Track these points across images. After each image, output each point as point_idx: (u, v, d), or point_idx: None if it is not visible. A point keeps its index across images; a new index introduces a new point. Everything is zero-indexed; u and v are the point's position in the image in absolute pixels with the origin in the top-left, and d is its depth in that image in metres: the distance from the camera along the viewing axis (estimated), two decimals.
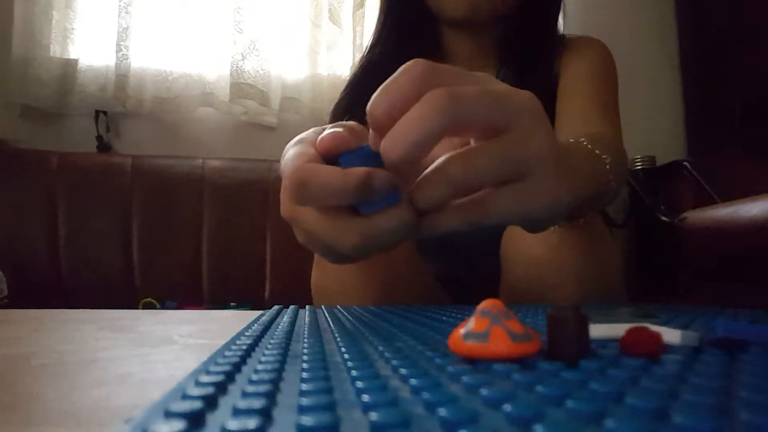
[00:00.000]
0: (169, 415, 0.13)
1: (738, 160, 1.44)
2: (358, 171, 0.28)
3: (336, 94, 1.53)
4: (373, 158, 0.29)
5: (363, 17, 1.53)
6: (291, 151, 0.33)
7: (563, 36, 0.79)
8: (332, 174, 0.28)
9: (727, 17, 1.56)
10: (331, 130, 0.31)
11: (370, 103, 0.29)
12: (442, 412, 0.12)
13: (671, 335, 0.22)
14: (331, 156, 0.31)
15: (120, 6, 1.41)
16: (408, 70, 0.30)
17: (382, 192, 0.29)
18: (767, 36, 1.45)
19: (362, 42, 1.49)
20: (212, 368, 0.18)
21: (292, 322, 0.34)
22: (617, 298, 0.62)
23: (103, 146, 1.42)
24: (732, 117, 1.53)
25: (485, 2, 0.70)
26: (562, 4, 0.78)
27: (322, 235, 0.32)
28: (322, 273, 0.65)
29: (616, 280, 0.63)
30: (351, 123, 0.35)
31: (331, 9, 1.53)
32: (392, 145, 0.27)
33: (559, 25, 0.80)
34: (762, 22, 1.47)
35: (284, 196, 0.34)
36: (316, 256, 0.65)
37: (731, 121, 1.53)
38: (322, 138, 0.31)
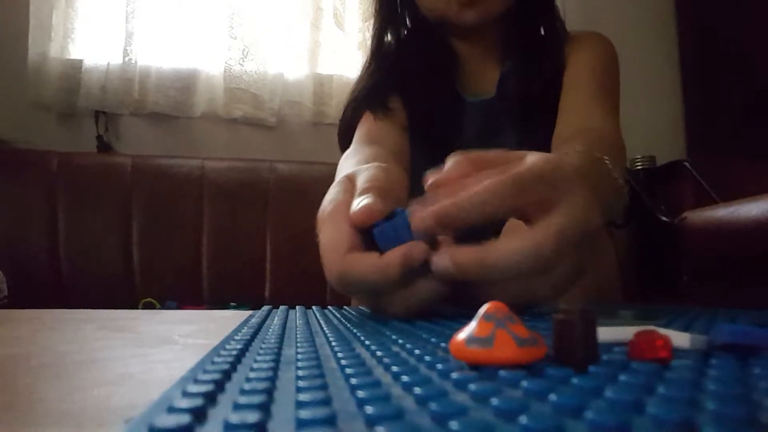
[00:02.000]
0: (153, 431, 0.12)
1: (738, 160, 1.44)
2: (396, 259, 0.31)
3: (337, 96, 1.54)
4: (406, 228, 0.31)
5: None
6: (330, 223, 0.35)
7: (566, 33, 0.80)
8: (372, 268, 0.31)
9: (727, 17, 1.56)
10: (364, 202, 0.33)
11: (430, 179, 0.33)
12: (454, 425, 0.12)
13: (680, 339, 0.22)
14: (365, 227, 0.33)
15: (126, 8, 1.41)
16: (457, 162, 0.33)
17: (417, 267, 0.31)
18: (767, 36, 1.45)
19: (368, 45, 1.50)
20: (200, 377, 0.17)
21: (283, 325, 0.34)
22: (613, 297, 0.62)
23: (103, 146, 1.42)
24: (732, 117, 1.53)
25: (489, 7, 0.72)
26: (559, 2, 0.80)
27: (370, 307, 0.37)
28: None
29: (612, 280, 0.64)
30: (379, 175, 0.37)
31: (336, 14, 1.53)
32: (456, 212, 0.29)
33: (564, 23, 0.82)
34: (762, 22, 1.47)
35: (330, 256, 0.35)
36: None
37: (731, 121, 1.53)
38: (355, 213, 0.33)
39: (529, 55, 0.75)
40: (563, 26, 0.81)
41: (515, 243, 0.30)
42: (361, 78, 0.82)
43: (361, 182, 0.36)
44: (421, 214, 0.30)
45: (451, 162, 0.33)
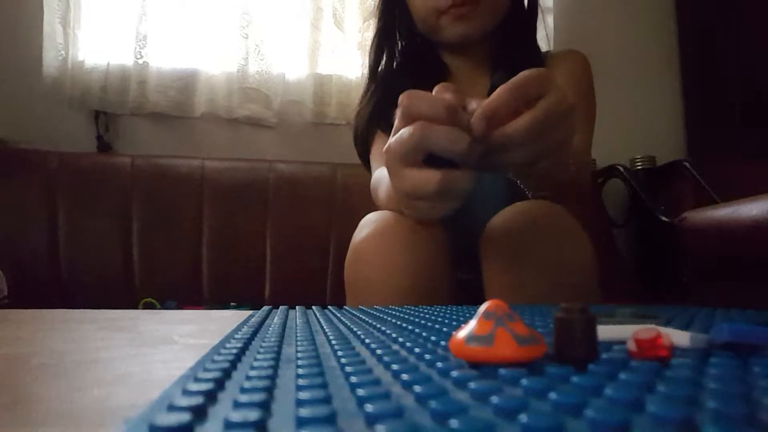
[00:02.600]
0: (154, 429, 0.12)
1: (738, 160, 1.44)
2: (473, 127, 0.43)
3: (337, 96, 1.55)
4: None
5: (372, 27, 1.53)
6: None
7: (547, 52, 0.90)
8: (452, 132, 0.42)
9: (727, 18, 1.56)
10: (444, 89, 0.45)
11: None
12: (454, 424, 0.12)
13: (680, 337, 0.22)
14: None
15: (141, 10, 1.42)
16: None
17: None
18: (767, 36, 1.45)
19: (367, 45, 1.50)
20: (201, 375, 0.17)
21: (283, 324, 0.34)
22: (589, 298, 0.63)
23: (103, 146, 1.41)
24: (732, 117, 1.53)
25: (477, 23, 0.80)
26: (540, 16, 0.91)
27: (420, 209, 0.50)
28: (358, 267, 0.70)
29: (586, 281, 0.65)
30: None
31: (336, 14, 1.53)
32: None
33: (542, 45, 0.93)
34: (762, 22, 1.47)
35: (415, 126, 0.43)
36: (350, 252, 0.73)
37: (731, 121, 1.53)
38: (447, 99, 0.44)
39: (516, 67, 0.80)
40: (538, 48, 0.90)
41: (522, 119, 0.43)
42: (363, 100, 0.89)
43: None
44: (476, 118, 0.43)
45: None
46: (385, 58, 0.88)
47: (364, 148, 0.88)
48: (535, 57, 0.85)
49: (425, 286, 0.65)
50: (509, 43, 0.84)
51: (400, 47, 0.88)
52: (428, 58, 0.85)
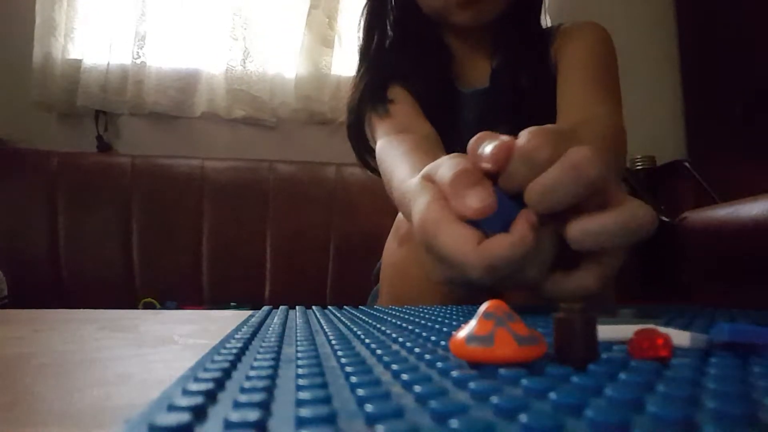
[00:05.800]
0: (153, 429, 0.12)
1: (738, 160, 1.44)
2: (526, 225, 0.33)
3: (337, 96, 1.55)
4: (508, 201, 0.34)
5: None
6: (442, 228, 0.35)
7: (559, 25, 0.84)
8: (512, 246, 0.33)
9: (727, 17, 1.56)
10: (477, 199, 0.33)
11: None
12: (454, 424, 0.12)
13: (680, 337, 0.22)
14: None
15: (141, 9, 1.42)
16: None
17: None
18: (767, 36, 1.45)
19: None
20: (201, 375, 0.17)
21: (283, 324, 0.34)
22: (606, 301, 0.63)
23: (103, 146, 1.42)
24: (732, 117, 1.53)
25: (487, 9, 0.75)
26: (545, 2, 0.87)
27: (506, 286, 0.37)
28: (399, 250, 0.68)
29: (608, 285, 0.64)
30: (461, 162, 0.37)
31: (331, 16, 1.53)
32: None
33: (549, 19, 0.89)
34: (762, 22, 1.47)
35: (464, 257, 0.34)
36: (393, 230, 0.70)
37: (731, 121, 1.53)
38: (475, 210, 0.33)
39: (518, 49, 0.79)
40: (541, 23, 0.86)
41: (609, 216, 0.34)
42: (356, 80, 0.84)
43: (450, 177, 0.36)
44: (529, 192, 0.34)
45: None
46: (377, 37, 0.84)
47: (359, 137, 0.81)
48: (539, 37, 0.81)
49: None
50: (513, 27, 0.80)
51: (392, 22, 0.83)
52: (426, 37, 0.81)
